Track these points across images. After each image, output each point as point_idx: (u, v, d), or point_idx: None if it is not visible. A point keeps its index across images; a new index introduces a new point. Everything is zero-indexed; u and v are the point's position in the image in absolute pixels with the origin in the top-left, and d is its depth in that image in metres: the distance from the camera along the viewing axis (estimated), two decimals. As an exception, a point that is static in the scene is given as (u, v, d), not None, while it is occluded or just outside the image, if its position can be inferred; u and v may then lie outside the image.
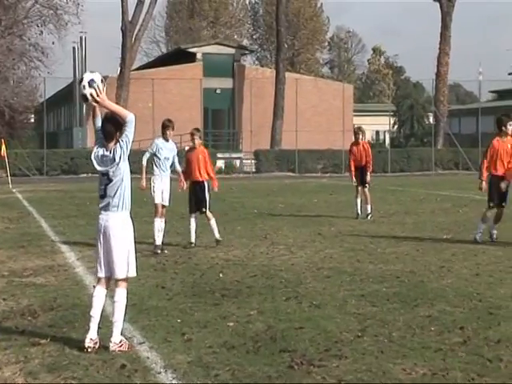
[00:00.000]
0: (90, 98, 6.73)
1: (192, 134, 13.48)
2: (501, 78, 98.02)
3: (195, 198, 13.47)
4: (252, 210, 20.74)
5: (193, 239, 13.47)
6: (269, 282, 9.99)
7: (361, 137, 18.37)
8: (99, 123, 6.91)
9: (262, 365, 6.29)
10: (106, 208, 6.89)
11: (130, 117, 6.73)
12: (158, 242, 12.93)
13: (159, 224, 13.02)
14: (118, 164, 6.77)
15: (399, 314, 8.10)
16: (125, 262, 6.88)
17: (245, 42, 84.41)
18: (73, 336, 7.13)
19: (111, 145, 6.80)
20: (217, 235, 13.50)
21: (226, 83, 53.18)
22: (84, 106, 48.72)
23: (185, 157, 13.73)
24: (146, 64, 64.45)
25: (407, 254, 12.36)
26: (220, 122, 53.54)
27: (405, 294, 9.10)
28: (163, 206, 13.28)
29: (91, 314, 6.87)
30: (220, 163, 45.29)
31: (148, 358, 6.55)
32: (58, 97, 58.12)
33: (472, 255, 12.20)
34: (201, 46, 55.28)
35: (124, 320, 6.98)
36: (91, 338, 6.76)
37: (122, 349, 6.72)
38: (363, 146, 18.46)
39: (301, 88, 49.30)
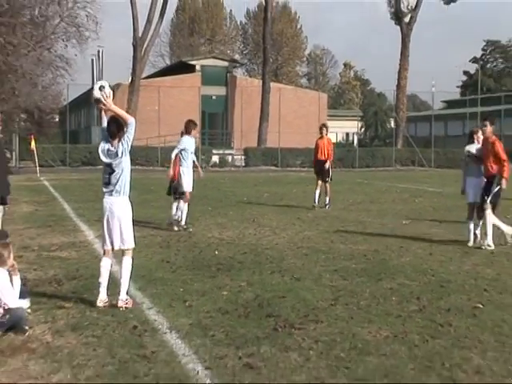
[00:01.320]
0: (101, 100, 6.87)
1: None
2: (450, 90, 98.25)
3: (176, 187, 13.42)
4: (242, 197, 20.69)
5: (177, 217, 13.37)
6: (256, 259, 10.00)
7: (325, 131, 18.19)
8: (105, 123, 7.07)
9: (251, 327, 6.31)
10: (110, 193, 7.05)
11: (130, 120, 6.93)
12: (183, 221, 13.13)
13: (185, 207, 13.16)
14: (120, 158, 6.94)
15: (366, 286, 8.13)
16: (130, 235, 7.07)
17: (236, 57, 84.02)
18: (92, 301, 7.11)
19: (115, 142, 6.96)
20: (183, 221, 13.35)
21: (221, 91, 52.90)
22: (100, 108, 48.56)
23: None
24: (153, 74, 63.92)
25: (372, 236, 12.39)
26: (215, 123, 53.28)
27: (370, 270, 9.13)
28: (190, 193, 13.26)
29: (100, 280, 7.06)
30: (215, 158, 45.18)
31: (155, 320, 6.55)
32: (78, 100, 57.65)
33: (427, 238, 12.24)
34: (199, 59, 54.90)
35: (130, 283, 7.11)
36: (101, 299, 7.00)
37: (127, 305, 6.91)
38: (327, 140, 18.34)
39: (283, 96, 49.17)
